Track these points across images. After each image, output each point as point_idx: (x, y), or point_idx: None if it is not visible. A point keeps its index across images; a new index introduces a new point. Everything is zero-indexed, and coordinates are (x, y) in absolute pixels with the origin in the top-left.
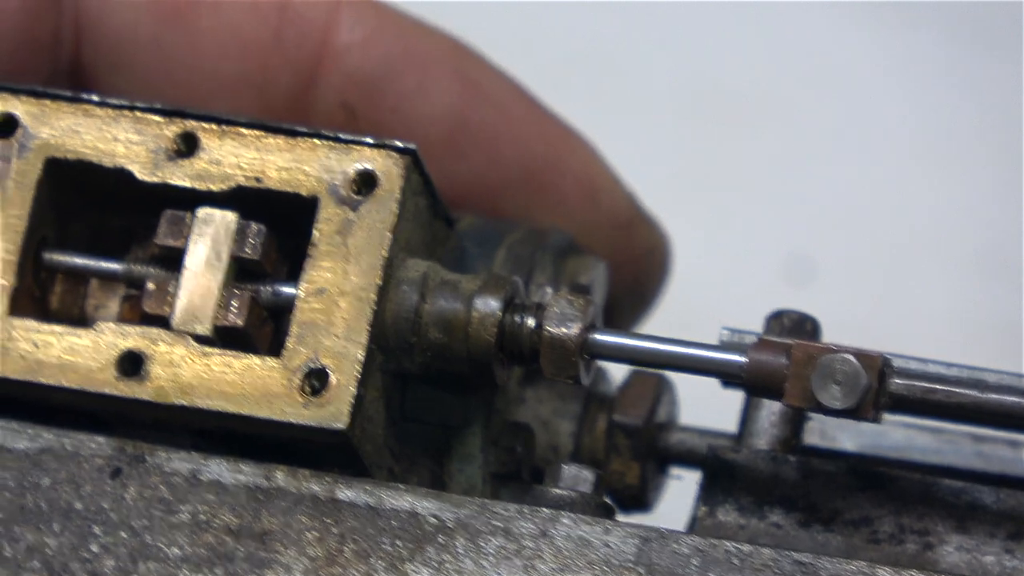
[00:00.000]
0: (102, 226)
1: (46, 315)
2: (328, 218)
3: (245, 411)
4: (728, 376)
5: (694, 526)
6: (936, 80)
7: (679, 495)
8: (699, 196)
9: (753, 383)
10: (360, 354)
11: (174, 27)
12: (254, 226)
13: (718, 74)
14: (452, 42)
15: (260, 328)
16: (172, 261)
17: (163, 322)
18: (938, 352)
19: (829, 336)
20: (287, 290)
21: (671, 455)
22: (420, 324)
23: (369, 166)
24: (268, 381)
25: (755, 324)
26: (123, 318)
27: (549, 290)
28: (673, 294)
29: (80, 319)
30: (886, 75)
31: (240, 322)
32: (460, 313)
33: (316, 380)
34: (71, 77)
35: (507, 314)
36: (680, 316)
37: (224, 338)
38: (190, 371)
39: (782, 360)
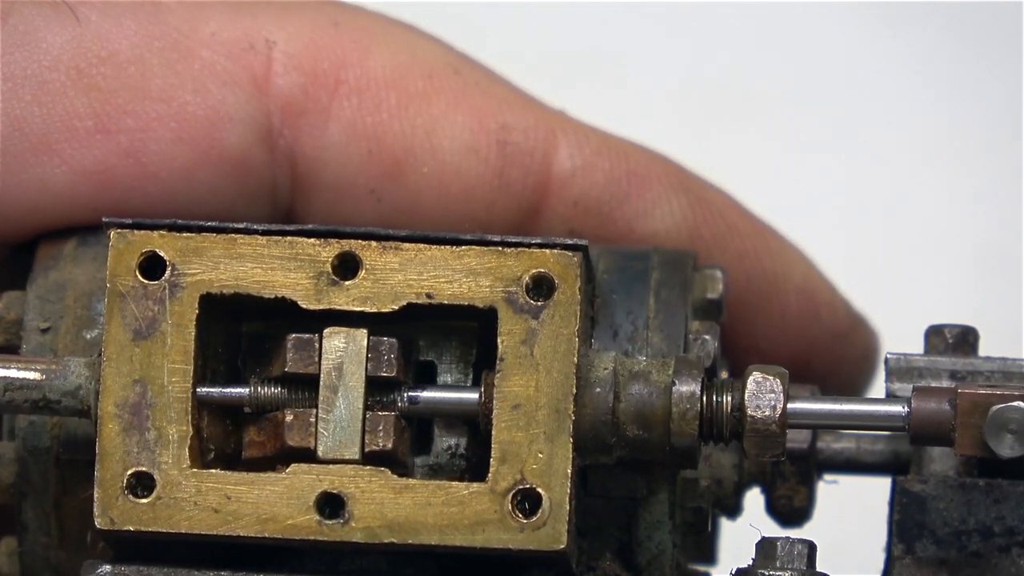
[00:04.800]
0: (238, 353)
1: (206, 459)
2: (510, 329)
3: (459, 542)
4: (892, 429)
5: (891, 566)
6: (937, 78)
7: None
8: None
9: (919, 434)
10: (568, 469)
11: (392, 179)
12: (386, 341)
13: (719, 72)
14: (667, 159)
15: (404, 443)
16: (298, 382)
17: (307, 453)
18: None
19: None
20: (466, 396)
21: (823, 463)
22: (618, 424)
23: (543, 269)
24: (478, 508)
25: None
26: (252, 444)
27: (708, 338)
28: None
29: (235, 457)
30: (887, 74)
31: (389, 445)
32: (658, 408)
33: (527, 502)
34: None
35: (705, 399)
36: None
37: (370, 460)
38: (394, 507)
39: (946, 408)
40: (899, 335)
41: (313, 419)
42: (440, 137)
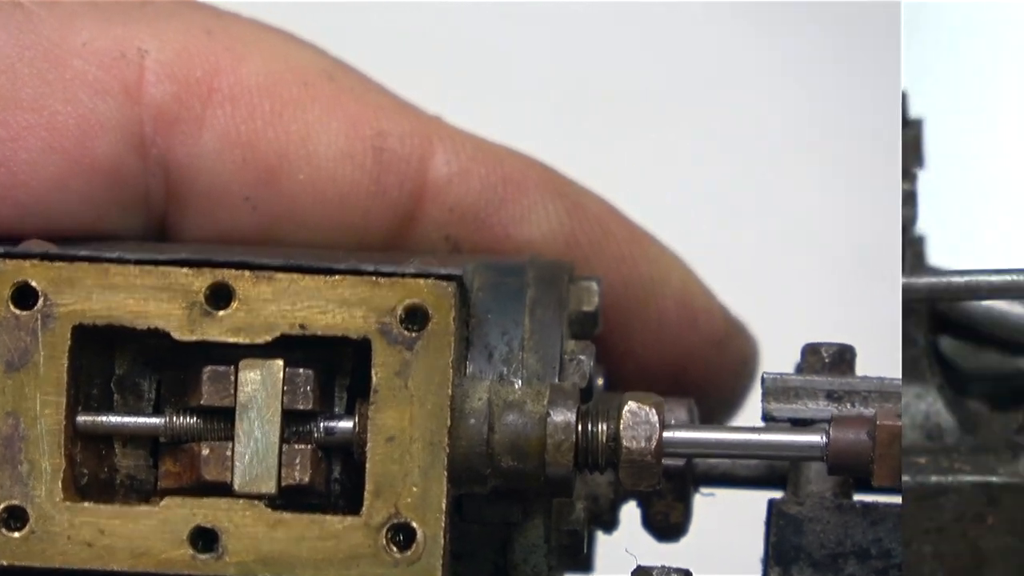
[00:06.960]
0: (110, 378)
1: (78, 486)
2: (384, 361)
3: None
4: (809, 459)
5: None
6: (814, 78)
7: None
8: None
9: (837, 465)
10: (442, 502)
11: (267, 186)
12: (302, 373)
13: (593, 75)
14: (543, 165)
15: (322, 474)
16: (214, 414)
17: (224, 487)
18: None
19: None
20: (340, 425)
21: (699, 477)
22: (493, 455)
23: (417, 300)
24: (352, 543)
25: None
26: (168, 475)
27: (583, 358)
28: None
29: (109, 483)
30: (763, 74)
31: (306, 479)
32: (532, 439)
33: (401, 535)
34: (162, 237)
35: (580, 430)
36: None
37: (287, 493)
38: (268, 541)
39: (864, 439)
40: (775, 341)
41: (229, 452)
42: (315, 144)
